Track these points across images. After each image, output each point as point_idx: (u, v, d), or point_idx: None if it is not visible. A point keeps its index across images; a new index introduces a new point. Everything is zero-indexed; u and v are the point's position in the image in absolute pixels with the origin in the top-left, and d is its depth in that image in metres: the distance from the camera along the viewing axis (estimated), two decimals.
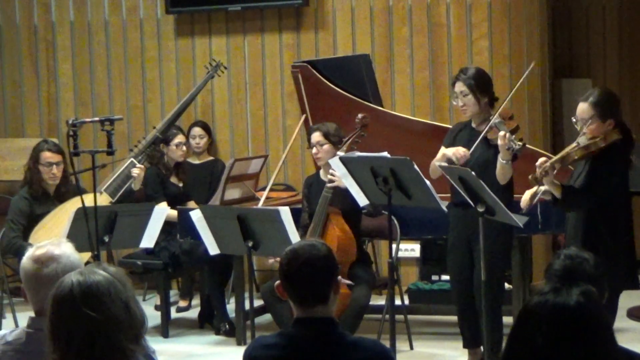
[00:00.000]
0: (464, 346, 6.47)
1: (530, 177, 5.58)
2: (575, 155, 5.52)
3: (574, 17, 9.18)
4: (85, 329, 2.73)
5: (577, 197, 5.55)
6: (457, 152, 6.14)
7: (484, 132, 6.09)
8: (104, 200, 7.22)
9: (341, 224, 6.69)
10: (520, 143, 5.87)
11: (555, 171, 5.54)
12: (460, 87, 6.21)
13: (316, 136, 6.87)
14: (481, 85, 6.21)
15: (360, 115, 6.69)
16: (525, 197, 5.67)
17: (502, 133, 5.91)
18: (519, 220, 5.78)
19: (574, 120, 5.59)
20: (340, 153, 6.49)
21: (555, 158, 5.55)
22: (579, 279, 3.53)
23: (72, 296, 2.76)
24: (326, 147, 6.82)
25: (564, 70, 9.12)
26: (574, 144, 5.56)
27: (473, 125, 6.26)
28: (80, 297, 2.75)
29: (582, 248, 5.22)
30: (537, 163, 5.52)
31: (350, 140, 6.64)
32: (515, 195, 6.35)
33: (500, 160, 5.98)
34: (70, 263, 3.28)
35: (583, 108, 5.54)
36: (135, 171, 7.43)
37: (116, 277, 2.82)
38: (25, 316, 3.45)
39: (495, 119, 6.05)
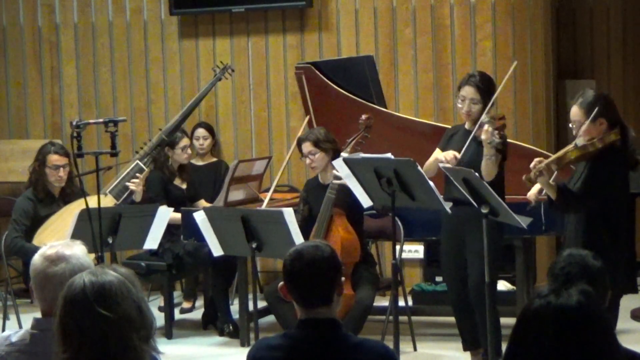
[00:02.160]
0: (464, 349, 6.46)
1: (524, 177, 5.59)
2: (571, 155, 5.51)
3: (578, 18, 9.17)
4: (98, 328, 2.73)
5: (573, 200, 5.54)
6: (447, 155, 6.17)
7: (474, 131, 6.07)
8: (108, 202, 7.22)
9: (345, 225, 6.69)
10: (499, 138, 5.84)
11: (555, 173, 5.54)
12: (471, 93, 6.17)
13: (307, 146, 6.86)
14: (488, 90, 6.21)
15: (364, 116, 6.68)
16: (533, 191, 5.66)
17: (485, 127, 5.88)
18: (523, 221, 5.78)
19: (570, 125, 5.61)
20: (345, 154, 6.49)
21: (551, 159, 5.55)
22: (581, 278, 3.53)
23: (85, 295, 2.76)
24: (318, 155, 6.81)
25: (568, 71, 9.11)
26: (571, 145, 5.57)
27: (467, 127, 6.24)
28: (93, 296, 2.76)
29: (582, 247, 5.26)
30: (532, 164, 5.52)
31: (354, 141, 6.63)
32: (516, 196, 6.35)
33: (484, 156, 5.97)
34: (80, 264, 3.28)
35: (574, 110, 5.58)
36: (132, 186, 7.38)
37: (126, 277, 2.83)
38: (29, 317, 3.46)
39: (484, 118, 6.02)
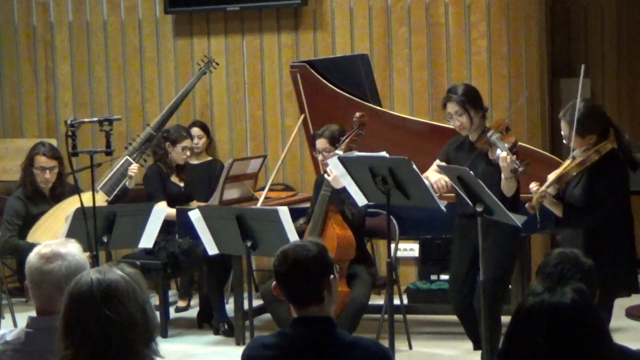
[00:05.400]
0: (475, 349, 6.42)
1: (527, 205, 5.54)
2: (572, 172, 5.50)
3: (573, 16, 9.18)
4: (102, 328, 2.73)
5: (580, 217, 5.52)
6: (438, 182, 6.20)
7: (482, 148, 6.02)
8: (99, 198, 7.22)
9: (340, 223, 6.69)
10: (523, 164, 5.75)
11: (554, 191, 5.53)
12: (453, 107, 6.12)
13: (322, 142, 6.85)
14: (473, 101, 6.14)
15: (357, 114, 6.67)
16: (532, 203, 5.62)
17: (503, 154, 5.80)
18: (518, 220, 5.77)
19: (564, 139, 5.62)
20: (339, 152, 6.48)
21: (551, 180, 5.51)
22: (575, 276, 3.54)
23: (91, 294, 2.76)
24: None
25: (563, 69, 9.11)
26: (569, 160, 5.54)
27: (471, 139, 6.19)
28: (99, 295, 2.75)
29: (583, 250, 5.26)
30: (532, 189, 5.47)
31: (348, 139, 6.62)
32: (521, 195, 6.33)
33: (503, 178, 5.92)
34: (75, 262, 3.29)
35: (562, 126, 5.58)
36: (133, 170, 7.45)
37: (134, 278, 2.82)
38: (24, 316, 3.46)
39: (492, 135, 5.96)
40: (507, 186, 5.93)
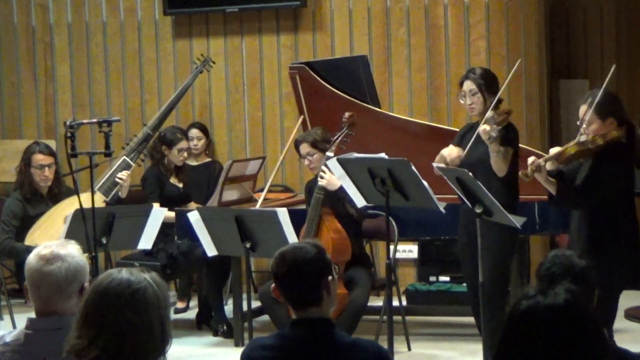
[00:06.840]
0: None
1: (520, 172, 5.62)
2: (570, 150, 5.53)
3: (572, 17, 9.18)
4: (118, 328, 2.75)
5: (573, 196, 5.55)
6: (451, 153, 6.16)
7: (478, 128, 6.06)
8: (97, 199, 7.21)
9: (334, 225, 6.68)
10: (497, 132, 5.83)
11: (551, 166, 5.56)
12: (469, 85, 6.20)
13: (304, 147, 6.87)
14: (489, 85, 6.20)
15: (347, 114, 6.68)
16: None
17: (482, 127, 5.89)
18: (517, 221, 5.77)
19: (578, 123, 5.62)
20: (330, 154, 6.49)
21: (551, 155, 5.57)
22: (565, 278, 3.55)
23: (118, 293, 2.78)
24: (317, 155, 6.82)
25: (562, 70, 9.12)
26: (574, 141, 5.58)
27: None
28: (126, 296, 2.77)
29: (586, 248, 5.28)
30: (529, 160, 5.54)
31: (338, 139, 6.62)
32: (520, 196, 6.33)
33: (490, 153, 5.97)
34: (75, 263, 3.29)
35: (583, 109, 5.59)
36: (121, 177, 7.42)
37: (161, 290, 2.85)
38: (23, 317, 3.46)
39: (488, 114, 6.01)
40: (495, 163, 5.97)
